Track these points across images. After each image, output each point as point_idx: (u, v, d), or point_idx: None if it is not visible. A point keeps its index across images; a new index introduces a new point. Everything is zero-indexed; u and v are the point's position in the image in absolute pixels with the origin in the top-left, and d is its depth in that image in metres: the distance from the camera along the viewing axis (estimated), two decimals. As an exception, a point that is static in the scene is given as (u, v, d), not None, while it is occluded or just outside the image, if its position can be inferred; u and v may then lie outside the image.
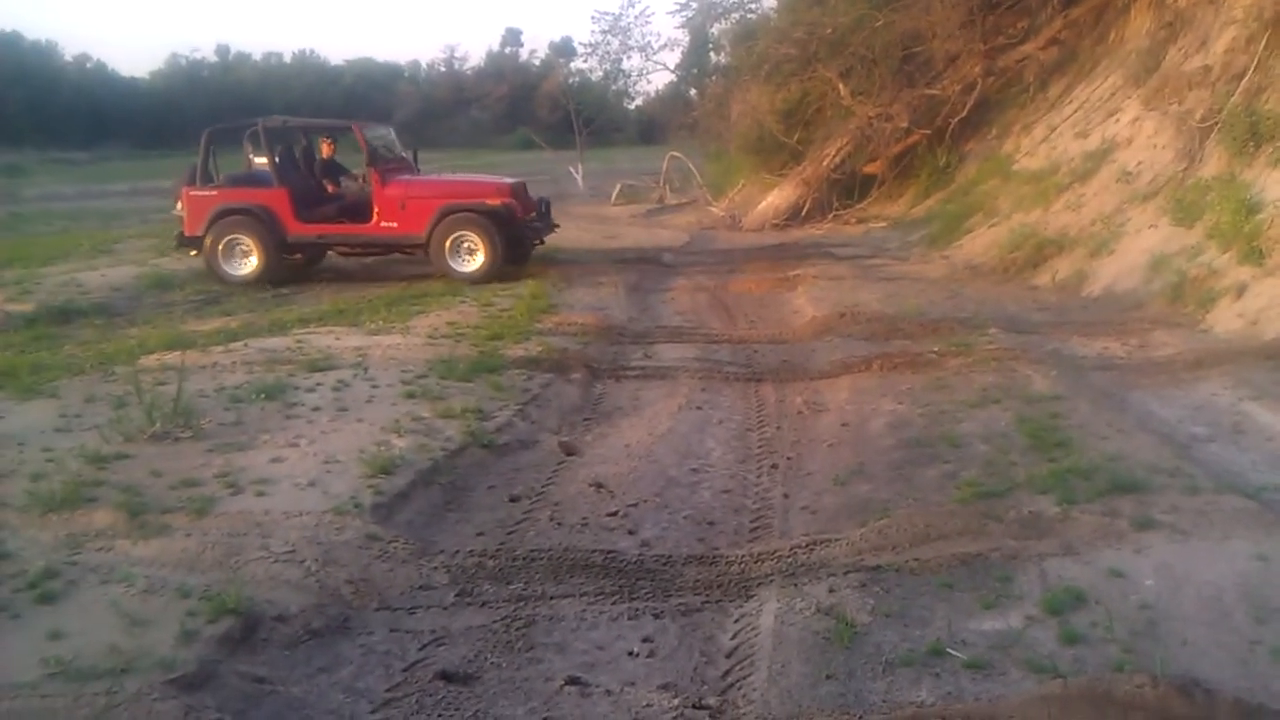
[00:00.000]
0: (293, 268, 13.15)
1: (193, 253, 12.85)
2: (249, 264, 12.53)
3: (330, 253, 13.71)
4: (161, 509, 4.88)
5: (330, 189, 13.47)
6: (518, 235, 12.65)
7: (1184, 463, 5.30)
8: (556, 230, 13.91)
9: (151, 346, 8.42)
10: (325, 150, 13.71)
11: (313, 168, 13.59)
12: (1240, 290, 8.85)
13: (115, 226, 19.74)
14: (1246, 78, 11.10)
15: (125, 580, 4.12)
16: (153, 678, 3.39)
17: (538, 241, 13.43)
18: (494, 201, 12.51)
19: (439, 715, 3.44)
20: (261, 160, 13.12)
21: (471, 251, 12.40)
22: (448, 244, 12.34)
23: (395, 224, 12.49)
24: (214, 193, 12.60)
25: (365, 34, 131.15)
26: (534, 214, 13.04)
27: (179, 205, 12.76)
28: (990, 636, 3.67)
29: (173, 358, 7.67)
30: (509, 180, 13.35)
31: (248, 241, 12.48)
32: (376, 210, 12.51)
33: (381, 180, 12.52)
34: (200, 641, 3.67)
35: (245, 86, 61.65)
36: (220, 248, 12.45)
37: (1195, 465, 5.30)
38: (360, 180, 13.29)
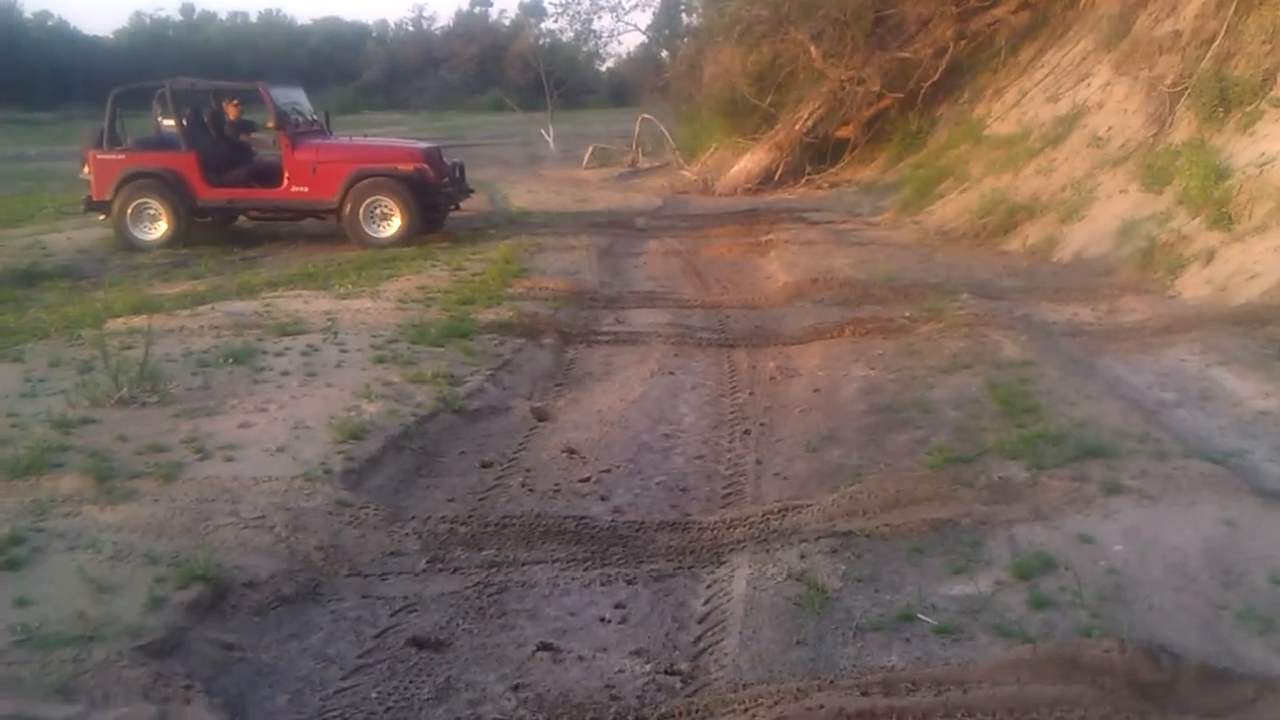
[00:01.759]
0: (203, 230, 12.89)
1: (100, 217, 12.63)
2: (158, 228, 12.34)
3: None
4: (129, 474, 4.83)
5: (245, 141, 13.28)
6: (431, 201, 12.51)
7: (1152, 428, 5.34)
8: (470, 195, 13.80)
9: (118, 310, 8.31)
10: (232, 113, 13.40)
11: (222, 130, 13.29)
12: (1209, 256, 8.91)
13: (80, 188, 19.42)
14: (1216, 43, 11.13)
15: (92, 546, 4.07)
16: (120, 645, 3.36)
17: (453, 207, 13.29)
18: (406, 167, 12.39)
19: (410, 681, 3.43)
20: (170, 123, 12.88)
21: (386, 217, 12.29)
22: (362, 209, 12.21)
23: (306, 188, 12.33)
24: (121, 156, 12.41)
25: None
26: (447, 179, 12.87)
27: (86, 169, 12.53)
28: (960, 601, 3.70)
29: (139, 321, 7.59)
30: (422, 145, 13.25)
31: (156, 206, 12.29)
32: (287, 175, 12.35)
33: (292, 144, 12.31)
34: (169, 608, 3.65)
35: (211, 46, 60.75)
36: (129, 212, 12.25)
37: (1163, 431, 5.35)
38: (272, 139, 12.97)
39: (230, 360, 6.70)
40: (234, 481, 4.78)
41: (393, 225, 12.27)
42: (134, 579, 3.83)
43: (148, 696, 3.14)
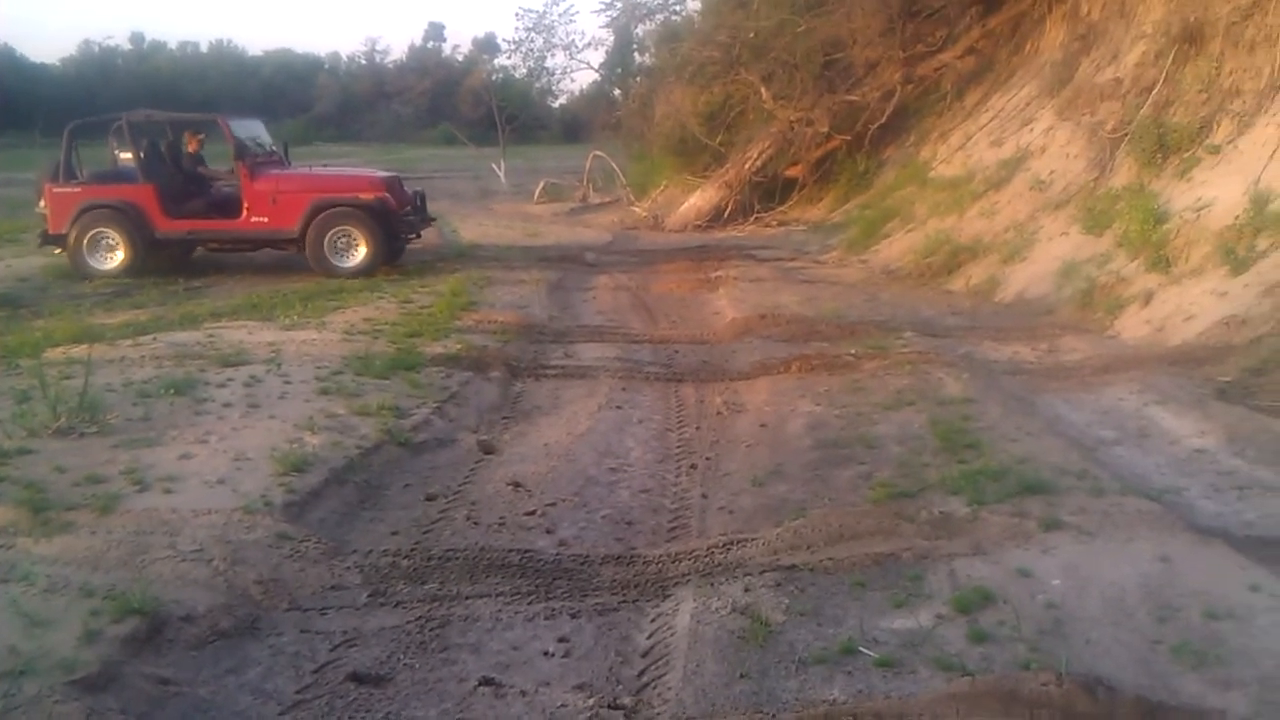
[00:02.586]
0: (160, 262, 12.75)
1: (56, 250, 12.46)
2: (115, 258, 12.21)
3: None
4: (65, 506, 4.73)
5: (203, 173, 13.15)
6: (394, 230, 12.49)
7: (1091, 465, 5.42)
8: (432, 224, 13.82)
9: (57, 339, 8.17)
10: (191, 145, 13.25)
11: (179, 163, 13.15)
12: (1147, 298, 9.11)
13: (22, 215, 19.11)
14: (1155, 91, 11.44)
15: (26, 579, 3.99)
16: (53, 679, 3.28)
17: (413, 236, 13.29)
18: (367, 195, 12.38)
19: (349, 717, 3.38)
20: (127, 156, 12.77)
21: (351, 247, 12.28)
22: (326, 240, 12.20)
23: (266, 219, 12.30)
24: (78, 189, 12.25)
25: (284, 24, 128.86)
26: (409, 208, 12.86)
27: (42, 203, 12.33)
28: (901, 635, 3.72)
29: (79, 351, 7.46)
30: (383, 174, 13.27)
31: (114, 235, 12.16)
32: (246, 205, 12.28)
33: (251, 175, 12.25)
34: (103, 642, 3.57)
35: (160, 76, 60.21)
36: (85, 241, 12.10)
37: (1101, 468, 5.44)
38: (229, 170, 12.87)
39: (171, 391, 6.61)
40: (173, 514, 4.70)
41: (358, 255, 12.26)
42: (68, 612, 3.76)
43: (78, 732, 3.07)
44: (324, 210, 12.20)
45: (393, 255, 12.73)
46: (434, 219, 13.87)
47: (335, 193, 12.52)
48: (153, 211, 12.20)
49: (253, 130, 13.36)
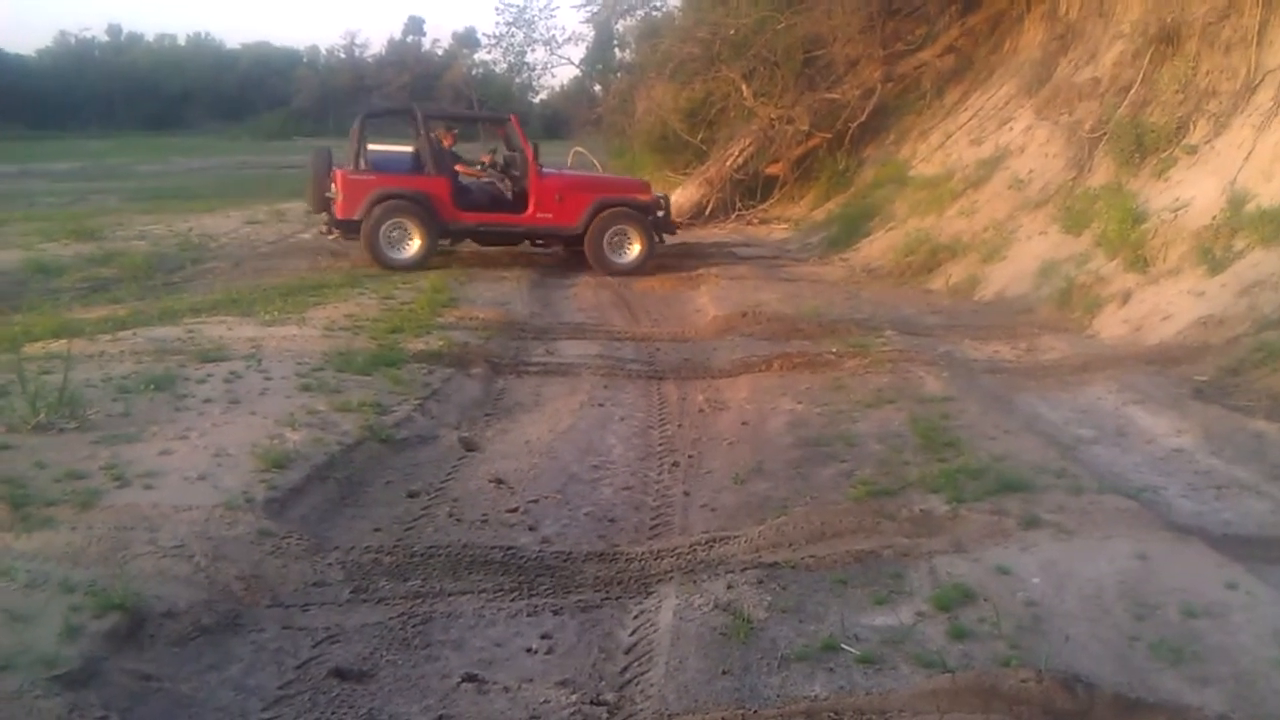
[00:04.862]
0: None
1: (332, 235, 12.97)
2: (410, 247, 12.47)
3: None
4: (45, 501, 4.69)
5: (473, 175, 13.54)
6: (660, 231, 13.36)
7: (1069, 464, 5.47)
8: (678, 230, 14.27)
9: (37, 334, 8.09)
10: (447, 140, 13.56)
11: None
12: (1125, 297, 9.18)
13: (1, 209, 19.02)
14: (1133, 91, 11.53)
15: (6, 574, 3.95)
16: (34, 674, 3.26)
17: (667, 237, 13.76)
18: (644, 198, 13.34)
19: (332, 713, 3.38)
20: (381, 147, 13.30)
21: (624, 245, 13.04)
22: (605, 237, 12.95)
23: (550, 215, 12.92)
24: (373, 178, 12.51)
25: (262, 17, 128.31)
26: (661, 211, 13.56)
27: (333, 187, 12.59)
28: (882, 632, 3.75)
29: (58, 346, 7.39)
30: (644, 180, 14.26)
31: (409, 226, 12.45)
32: (533, 202, 12.82)
33: (539, 173, 12.90)
34: (85, 638, 3.55)
35: (137, 68, 59.90)
36: (381, 231, 12.35)
37: (1080, 466, 5.48)
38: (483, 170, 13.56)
39: (151, 386, 6.56)
40: (153, 510, 4.67)
41: (632, 252, 13.05)
42: (49, 608, 3.73)
43: (60, 728, 3.06)
44: (605, 209, 12.94)
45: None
46: (679, 224, 14.42)
47: (615, 194, 13.39)
48: (444, 204, 12.55)
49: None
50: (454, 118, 14.69)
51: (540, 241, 13.71)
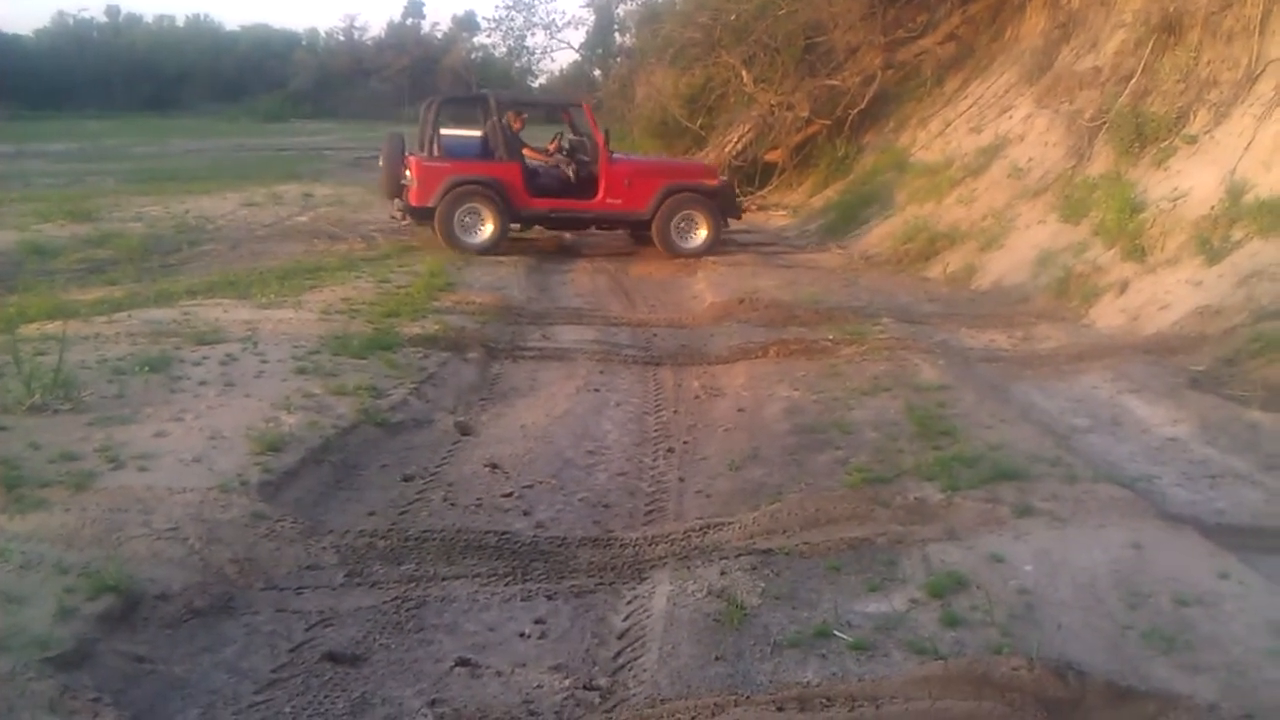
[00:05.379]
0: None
1: (404, 221, 13.09)
2: (483, 232, 12.55)
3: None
4: (39, 483, 4.69)
5: (539, 159, 13.60)
6: (727, 215, 13.43)
7: (1064, 452, 5.47)
8: (743, 215, 14.27)
9: (31, 315, 8.06)
10: (516, 125, 13.55)
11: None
12: (1123, 286, 9.18)
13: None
14: (1134, 80, 11.49)
15: (0, 556, 3.97)
16: (27, 656, 3.26)
17: (733, 220, 13.82)
18: (712, 182, 13.41)
19: (325, 696, 3.38)
20: (455, 132, 13.39)
21: (691, 229, 13.07)
22: (672, 222, 12.98)
23: (620, 200, 12.94)
24: (447, 164, 12.58)
25: (261, 0, 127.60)
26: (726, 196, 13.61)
27: (407, 173, 12.65)
28: (875, 619, 3.76)
29: (54, 327, 7.37)
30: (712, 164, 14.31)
31: (482, 211, 12.51)
32: (603, 188, 12.85)
33: (609, 159, 12.89)
34: (78, 619, 3.55)
35: (135, 50, 59.55)
36: (455, 217, 12.42)
37: (1074, 455, 5.49)
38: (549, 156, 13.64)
39: (146, 368, 6.55)
40: (147, 492, 4.67)
41: (699, 236, 13.07)
42: (42, 589, 3.73)
43: (54, 709, 3.06)
44: (673, 194, 12.95)
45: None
46: (743, 210, 14.40)
47: (684, 178, 13.42)
48: (517, 189, 12.60)
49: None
50: (527, 103, 14.92)
51: (605, 226, 13.80)
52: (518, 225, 13.24)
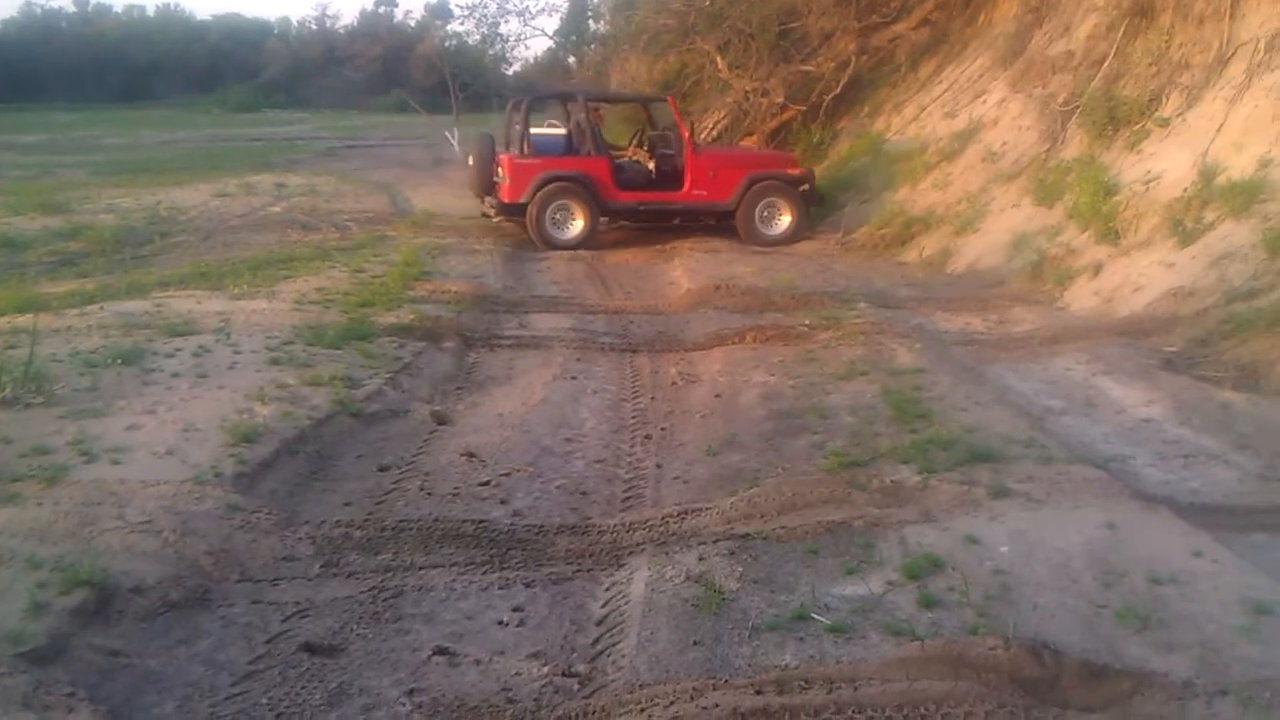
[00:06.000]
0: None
1: (496, 218, 13.20)
2: (574, 227, 12.77)
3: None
4: (11, 477, 4.65)
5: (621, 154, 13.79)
6: (810, 203, 13.57)
7: (1038, 434, 5.50)
8: (823, 202, 14.34)
9: (2, 308, 7.99)
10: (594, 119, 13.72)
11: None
12: (1096, 269, 9.23)
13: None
14: (1106, 64, 11.54)
15: (-31, 551, 3.92)
16: (1, 652, 3.24)
17: (814, 209, 13.92)
18: (794, 171, 13.51)
19: (302, 687, 3.37)
20: (543, 131, 13.76)
21: (774, 218, 13.23)
22: (756, 211, 13.12)
23: (705, 192, 13.11)
24: (538, 161, 12.71)
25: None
26: (808, 184, 13.70)
27: (500, 172, 12.78)
28: (852, 601, 3.77)
29: (24, 320, 7.31)
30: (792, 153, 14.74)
31: (573, 207, 12.67)
32: (689, 179, 13.00)
33: (694, 151, 13.03)
34: (52, 614, 3.53)
35: (105, 40, 58.93)
36: (546, 214, 12.56)
37: (1049, 437, 5.52)
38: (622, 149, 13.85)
39: (119, 361, 6.49)
40: (121, 485, 4.64)
41: (782, 224, 13.25)
42: (15, 584, 3.70)
43: (28, 705, 3.04)
44: (756, 184, 13.10)
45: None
46: (823, 197, 14.43)
47: (766, 169, 13.55)
48: (606, 184, 12.80)
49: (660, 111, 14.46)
50: (615, 99, 15.41)
51: (690, 217, 13.82)
52: (606, 220, 13.35)
